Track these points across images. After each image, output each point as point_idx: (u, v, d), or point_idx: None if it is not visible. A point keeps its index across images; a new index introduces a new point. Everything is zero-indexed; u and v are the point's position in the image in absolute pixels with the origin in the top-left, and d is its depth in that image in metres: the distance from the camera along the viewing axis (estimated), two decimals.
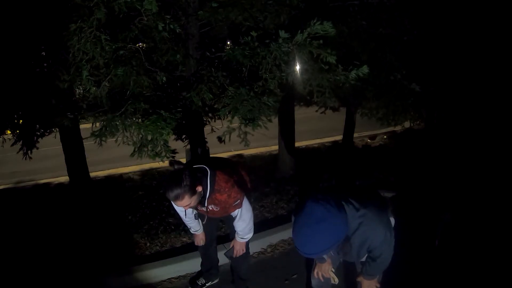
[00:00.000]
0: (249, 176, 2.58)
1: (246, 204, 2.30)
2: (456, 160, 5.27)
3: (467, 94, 5.13)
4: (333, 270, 2.12)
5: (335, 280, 2.12)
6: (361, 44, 4.23)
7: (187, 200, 1.99)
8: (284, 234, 3.54)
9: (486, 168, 4.74)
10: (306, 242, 1.56)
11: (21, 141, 4.25)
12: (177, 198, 1.96)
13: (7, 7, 3.49)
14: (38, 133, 4.28)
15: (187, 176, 1.97)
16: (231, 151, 7.39)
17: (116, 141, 3.13)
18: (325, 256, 2.05)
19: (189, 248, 3.32)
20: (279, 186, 5.04)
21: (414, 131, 7.41)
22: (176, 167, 2.04)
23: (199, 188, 2.07)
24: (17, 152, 4.28)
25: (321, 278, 2.14)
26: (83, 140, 4.83)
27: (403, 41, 4.46)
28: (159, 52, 3.27)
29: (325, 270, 2.09)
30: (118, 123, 3.02)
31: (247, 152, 7.76)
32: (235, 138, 3.15)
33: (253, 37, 3.13)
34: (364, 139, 8.82)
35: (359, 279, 2.07)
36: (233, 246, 2.51)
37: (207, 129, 4.07)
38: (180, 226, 3.75)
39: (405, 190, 4.35)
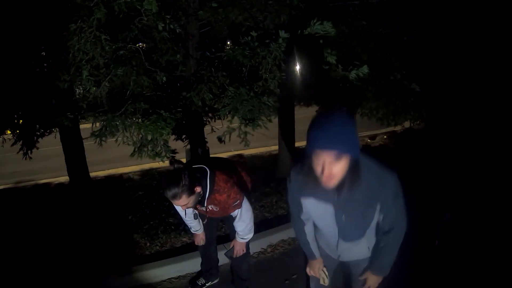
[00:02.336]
0: (249, 176, 2.59)
1: (246, 204, 2.30)
2: (456, 160, 5.27)
3: (467, 94, 5.13)
4: (324, 270, 1.95)
5: (325, 281, 1.95)
6: (361, 44, 4.23)
7: (185, 199, 1.99)
8: (284, 234, 3.54)
9: (486, 168, 4.74)
10: (329, 134, 1.29)
11: (21, 141, 4.24)
12: (174, 197, 1.96)
13: (8, 7, 3.49)
14: (38, 133, 4.28)
15: (186, 176, 1.96)
16: (231, 151, 7.39)
17: (116, 141, 3.13)
18: (316, 253, 1.90)
19: (189, 248, 3.32)
20: (279, 186, 5.04)
21: (414, 131, 7.41)
22: (176, 166, 2.03)
23: (198, 189, 2.07)
24: (17, 152, 4.27)
25: (316, 275, 1.95)
26: (83, 140, 4.83)
27: (403, 41, 4.46)
28: (159, 52, 3.27)
29: (315, 269, 1.93)
30: (118, 123, 3.02)
31: (247, 152, 7.76)
32: (235, 138, 3.15)
33: (253, 37, 3.13)
34: (364, 139, 8.82)
35: (366, 275, 1.82)
36: (233, 246, 2.51)
37: (207, 129, 4.07)
38: (180, 226, 3.75)
39: (404, 190, 4.34)
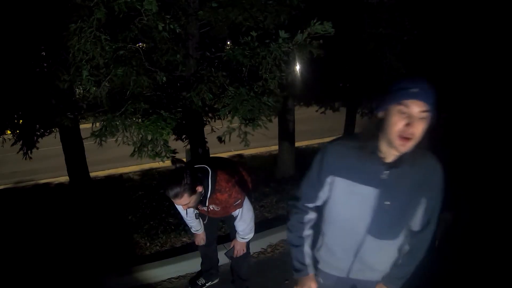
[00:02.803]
0: (249, 176, 2.59)
1: (247, 204, 2.30)
2: (456, 159, 5.27)
3: (467, 94, 5.13)
4: None
5: None
6: (361, 44, 4.24)
7: (186, 199, 1.99)
8: (284, 234, 3.51)
9: (487, 167, 4.74)
10: (421, 87, 1.19)
11: (21, 141, 4.25)
12: (176, 196, 1.96)
13: (8, 7, 3.49)
14: (38, 133, 4.28)
15: (187, 175, 1.97)
16: (231, 151, 7.39)
17: (116, 141, 3.13)
18: (309, 264, 1.52)
19: (189, 248, 3.32)
20: (279, 186, 5.04)
21: None
22: (178, 165, 2.04)
23: (199, 189, 2.07)
24: (17, 152, 4.28)
25: None
26: (83, 140, 4.83)
27: (403, 41, 4.47)
28: (159, 52, 3.27)
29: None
30: (118, 123, 3.03)
31: (247, 152, 7.76)
32: (235, 138, 3.15)
33: (253, 37, 3.13)
34: None
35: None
36: (233, 246, 2.50)
37: (207, 129, 4.07)
38: (180, 226, 3.75)
39: None
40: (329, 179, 1.40)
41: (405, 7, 4.30)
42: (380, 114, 1.26)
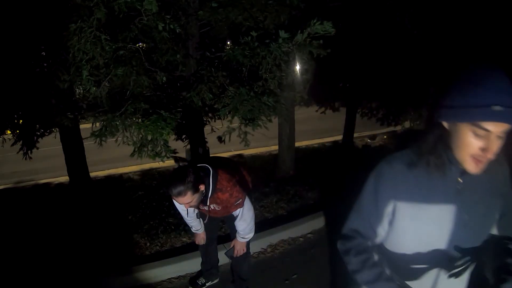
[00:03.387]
0: (249, 176, 2.59)
1: (247, 203, 2.30)
2: None
3: None
4: None
5: None
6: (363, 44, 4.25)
7: (189, 197, 1.99)
8: (284, 234, 3.53)
9: None
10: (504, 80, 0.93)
11: (21, 141, 4.25)
12: (179, 194, 1.96)
13: (8, 7, 3.49)
14: (38, 133, 4.29)
15: (191, 174, 1.98)
16: (231, 151, 7.40)
17: (116, 141, 3.14)
18: None
19: (189, 248, 3.32)
20: (279, 186, 5.04)
21: (414, 131, 7.42)
22: (181, 164, 2.05)
23: (202, 187, 2.07)
24: (17, 152, 4.28)
25: None
26: (83, 140, 4.83)
27: (403, 41, 4.47)
28: (159, 52, 3.27)
29: None
30: (118, 123, 3.03)
31: (247, 152, 7.77)
32: (235, 138, 3.16)
33: (253, 37, 3.14)
34: (364, 139, 8.83)
35: None
36: (233, 245, 2.50)
37: (207, 129, 4.07)
38: (180, 226, 3.75)
39: None
40: (389, 208, 1.12)
41: (405, 7, 4.30)
42: (445, 125, 1.00)
